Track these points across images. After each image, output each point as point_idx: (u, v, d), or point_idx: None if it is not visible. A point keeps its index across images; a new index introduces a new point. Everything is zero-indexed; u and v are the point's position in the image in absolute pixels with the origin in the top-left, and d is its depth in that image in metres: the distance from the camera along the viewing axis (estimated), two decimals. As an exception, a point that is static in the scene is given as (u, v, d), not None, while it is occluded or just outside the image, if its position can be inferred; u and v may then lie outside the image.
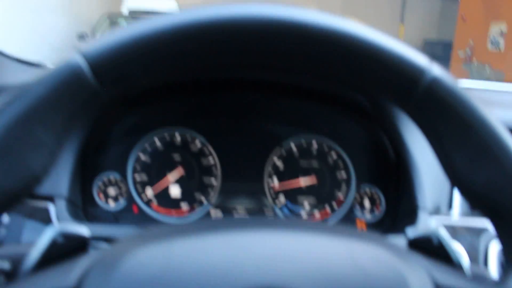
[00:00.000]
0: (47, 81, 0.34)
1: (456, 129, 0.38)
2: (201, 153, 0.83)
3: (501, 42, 9.26)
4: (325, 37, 0.36)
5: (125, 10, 10.15)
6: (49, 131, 0.35)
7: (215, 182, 0.83)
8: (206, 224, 0.37)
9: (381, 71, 0.37)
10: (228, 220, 0.39)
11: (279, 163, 0.84)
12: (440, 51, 14.18)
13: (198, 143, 0.83)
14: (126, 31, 0.35)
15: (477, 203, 0.40)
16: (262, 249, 0.33)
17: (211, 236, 0.34)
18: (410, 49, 0.38)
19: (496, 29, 9.40)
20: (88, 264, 0.32)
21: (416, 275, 0.33)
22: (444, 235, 0.43)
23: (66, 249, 0.39)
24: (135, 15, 9.94)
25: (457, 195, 0.73)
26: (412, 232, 0.44)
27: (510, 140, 0.38)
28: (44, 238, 0.38)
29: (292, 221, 0.39)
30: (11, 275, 0.42)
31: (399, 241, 0.63)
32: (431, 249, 0.42)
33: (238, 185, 0.84)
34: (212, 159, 0.83)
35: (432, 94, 0.37)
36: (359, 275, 0.32)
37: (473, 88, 1.26)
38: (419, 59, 0.37)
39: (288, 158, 0.84)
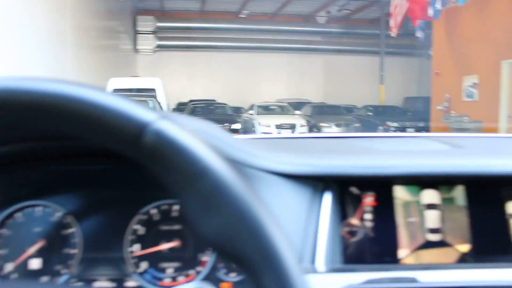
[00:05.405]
0: None
1: (180, 179, 0.38)
2: (62, 225, 0.82)
3: (475, 92, 9.52)
4: (36, 101, 0.37)
5: (109, 90, 10.47)
6: None
7: (76, 252, 0.82)
8: None
9: (100, 127, 0.38)
10: None
11: (141, 230, 0.83)
12: (421, 106, 14.60)
13: (58, 215, 0.83)
14: None
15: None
16: None
17: None
18: (132, 105, 0.39)
19: (468, 82, 9.71)
20: None
21: None
22: None
23: None
24: (119, 92, 10.23)
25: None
26: None
27: (237, 187, 0.38)
28: None
29: None
30: None
31: None
32: None
33: (99, 254, 0.82)
34: (74, 230, 0.82)
35: (156, 147, 0.38)
36: None
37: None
38: (141, 114, 0.38)
39: (149, 224, 0.83)
